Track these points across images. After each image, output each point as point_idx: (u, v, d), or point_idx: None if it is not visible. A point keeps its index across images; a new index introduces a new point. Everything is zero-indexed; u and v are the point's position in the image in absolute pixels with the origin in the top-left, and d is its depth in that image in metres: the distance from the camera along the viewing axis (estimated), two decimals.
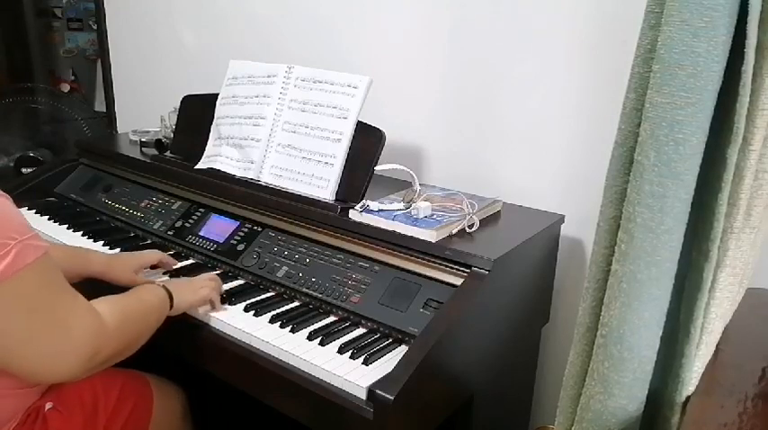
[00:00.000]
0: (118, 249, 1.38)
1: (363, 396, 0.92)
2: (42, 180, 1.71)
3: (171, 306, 1.06)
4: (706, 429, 0.70)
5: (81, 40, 3.36)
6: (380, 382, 0.92)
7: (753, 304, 0.91)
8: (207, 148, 1.48)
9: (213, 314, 1.12)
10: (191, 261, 1.35)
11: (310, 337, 1.05)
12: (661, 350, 0.83)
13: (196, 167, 1.46)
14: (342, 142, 1.26)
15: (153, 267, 1.27)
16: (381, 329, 1.08)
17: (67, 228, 1.50)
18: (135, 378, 1.16)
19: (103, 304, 0.93)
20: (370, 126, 1.26)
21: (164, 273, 1.28)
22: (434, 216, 1.18)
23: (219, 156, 1.44)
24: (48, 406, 1.01)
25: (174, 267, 1.30)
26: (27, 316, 0.82)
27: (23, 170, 2.80)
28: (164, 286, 1.07)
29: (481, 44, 1.44)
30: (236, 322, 1.10)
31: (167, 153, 1.60)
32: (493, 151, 1.47)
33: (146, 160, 1.60)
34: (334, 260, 1.20)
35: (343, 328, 1.08)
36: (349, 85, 1.28)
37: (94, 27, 2.83)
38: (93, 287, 1.24)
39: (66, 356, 0.86)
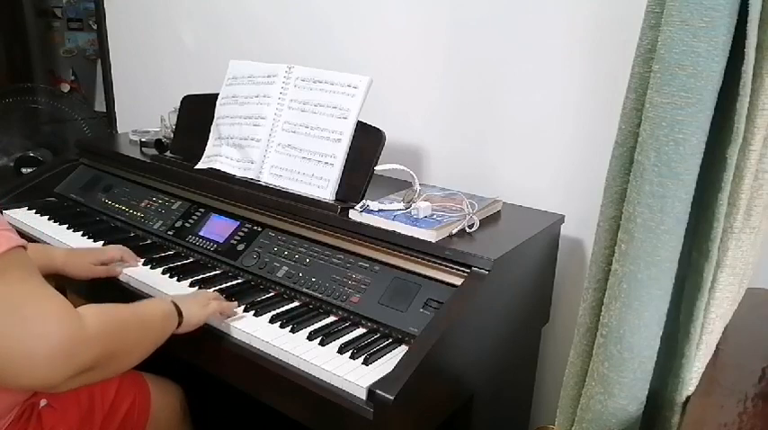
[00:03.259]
0: None
1: (363, 396, 0.92)
2: (42, 180, 1.71)
3: (179, 322, 1.02)
4: (706, 429, 0.70)
5: (81, 40, 3.36)
6: (380, 382, 0.92)
7: (753, 304, 0.91)
8: (207, 148, 1.48)
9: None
10: (190, 260, 1.35)
11: (310, 337, 1.05)
12: (661, 350, 0.83)
13: (196, 167, 1.46)
14: (342, 142, 1.26)
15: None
16: (381, 329, 1.08)
17: (67, 228, 1.50)
18: (132, 376, 1.15)
19: (90, 308, 0.87)
20: (370, 126, 1.26)
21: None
22: (434, 216, 1.18)
23: (219, 156, 1.44)
24: (42, 403, 1.01)
25: (137, 264, 1.29)
26: None
27: (23, 170, 2.80)
28: (172, 301, 1.03)
29: (481, 44, 1.44)
30: (236, 322, 1.09)
31: (167, 153, 1.59)
32: (493, 151, 1.47)
33: (146, 160, 1.60)
34: (334, 260, 1.20)
35: (343, 328, 1.08)
36: (349, 85, 1.28)
37: (94, 27, 2.83)
38: (95, 292, 1.25)
39: (38, 358, 0.78)
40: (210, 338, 1.09)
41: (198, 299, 1.09)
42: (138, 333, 0.94)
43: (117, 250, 1.26)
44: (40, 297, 0.80)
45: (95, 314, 0.86)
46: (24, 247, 0.80)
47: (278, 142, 1.36)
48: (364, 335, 1.07)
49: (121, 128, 2.40)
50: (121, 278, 1.26)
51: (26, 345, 0.77)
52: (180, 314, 1.02)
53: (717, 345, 0.84)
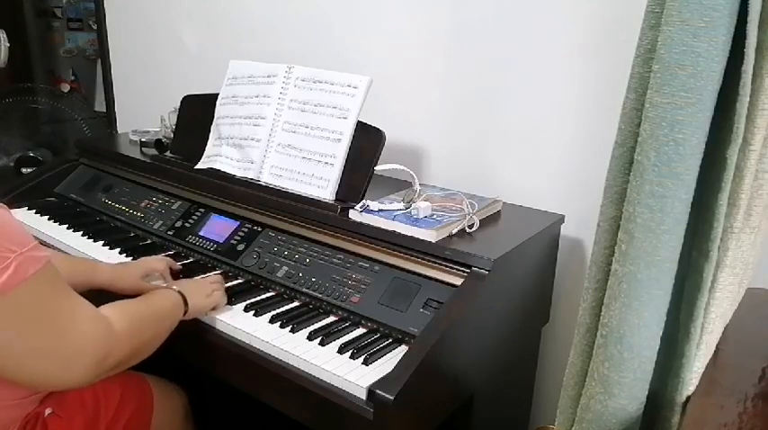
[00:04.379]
0: (118, 249, 1.38)
1: (363, 396, 0.92)
2: (42, 180, 1.71)
3: (185, 311, 1.06)
4: (706, 429, 0.70)
5: (81, 40, 3.36)
6: (380, 382, 0.92)
7: (753, 304, 0.91)
8: (207, 148, 1.48)
9: (213, 314, 1.12)
10: (190, 260, 1.35)
11: (310, 337, 1.05)
12: (661, 350, 0.83)
13: (196, 167, 1.46)
14: (342, 142, 1.26)
15: None
16: (381, 329, 1.08)
17: (67, 228, 1.50)
18: (135, 380, 1.15)
19: (112, 309, 0.92)
20: (370, 126, 1.26)
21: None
22: (434, 216, 1.18)
23: (219, 156, 1.44)
24: (47, 411, 1.00)
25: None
26: (30, 327, 0.81)
27: (23, 170, 2.80)
28: (178, 290, 1.07)
29: (481, 44, 1.44)
30: (236, 322, 1.09)
31: (167, 153, 1.60)
32: (493, 151, 1.47)
33: (146, 160, 1.60)
34: (335, 260, 1.20)
35: (343, 328, 1.08)
36: (349, 85, 1.28)
37: (94, 27, 2.83)
38: (101, 296, 1.25)
39: (75, 364, 0.84)
40: (210, 338, 1.09)
41: (201, 287, 1.12)
42: (155, 325, 1.00)
43: (162, 263, 1.25)
44: (72, 308, 0.86)
45: (119, 316, 0.92)
46: (49, 259, 0.83)
47: (278, 142, 1.36)
48: (364, 335, 1.07)
49: (121, 128, 2.40)
50: None
51: (63, 357, 0.83)
52: (186, 303, 1.06)
53: (717, 345, 0.84)
